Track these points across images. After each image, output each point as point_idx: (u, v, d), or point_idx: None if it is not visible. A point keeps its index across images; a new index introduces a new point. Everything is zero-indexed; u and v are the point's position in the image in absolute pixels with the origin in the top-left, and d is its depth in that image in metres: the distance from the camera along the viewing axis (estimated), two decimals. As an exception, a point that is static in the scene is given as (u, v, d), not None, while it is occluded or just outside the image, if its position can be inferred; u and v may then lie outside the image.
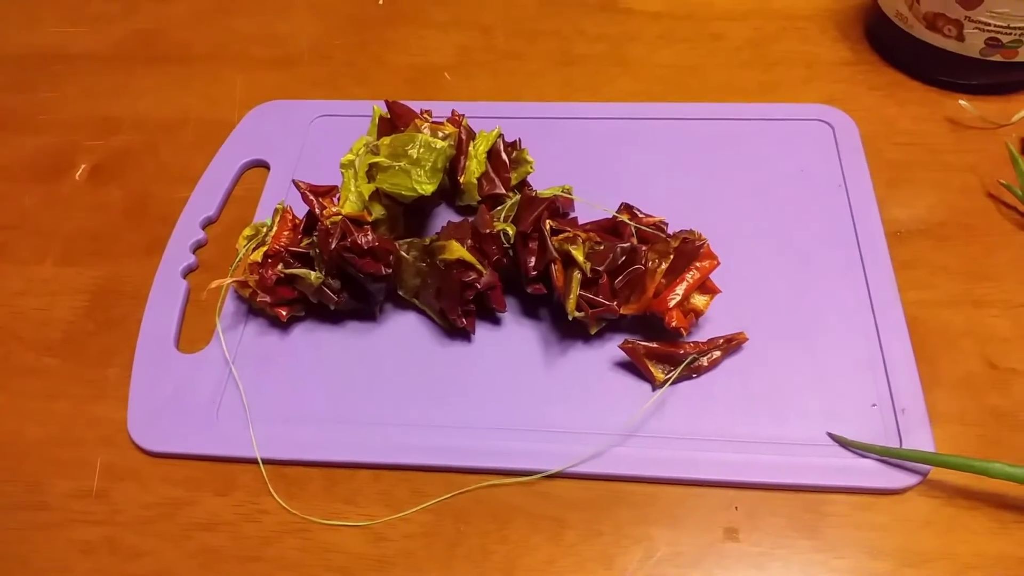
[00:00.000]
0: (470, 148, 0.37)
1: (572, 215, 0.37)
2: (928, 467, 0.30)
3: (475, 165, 0.37)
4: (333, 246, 0.32)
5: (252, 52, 0.49)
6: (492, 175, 0.37)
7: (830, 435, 0.31)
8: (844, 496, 0.30)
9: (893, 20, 0.43)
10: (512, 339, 0.34)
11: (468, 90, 0.45)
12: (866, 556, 0.29)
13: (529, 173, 0.38)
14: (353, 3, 0.51)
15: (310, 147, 0.42)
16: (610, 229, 0.34)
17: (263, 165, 0.42)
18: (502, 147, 0.37)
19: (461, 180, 0.37)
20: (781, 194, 0.38)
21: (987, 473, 0.28)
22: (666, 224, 0.34)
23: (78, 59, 0.49)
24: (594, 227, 0.34)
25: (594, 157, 0.41)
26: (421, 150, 0.33)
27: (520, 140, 0.38)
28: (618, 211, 0.35)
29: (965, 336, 0.34)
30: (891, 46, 0.44)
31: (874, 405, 0.31)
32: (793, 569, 0.29)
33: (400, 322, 0.35)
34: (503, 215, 0.35)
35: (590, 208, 0.37)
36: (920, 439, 0.30)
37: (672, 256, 0.32)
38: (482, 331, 0.35)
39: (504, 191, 0.37)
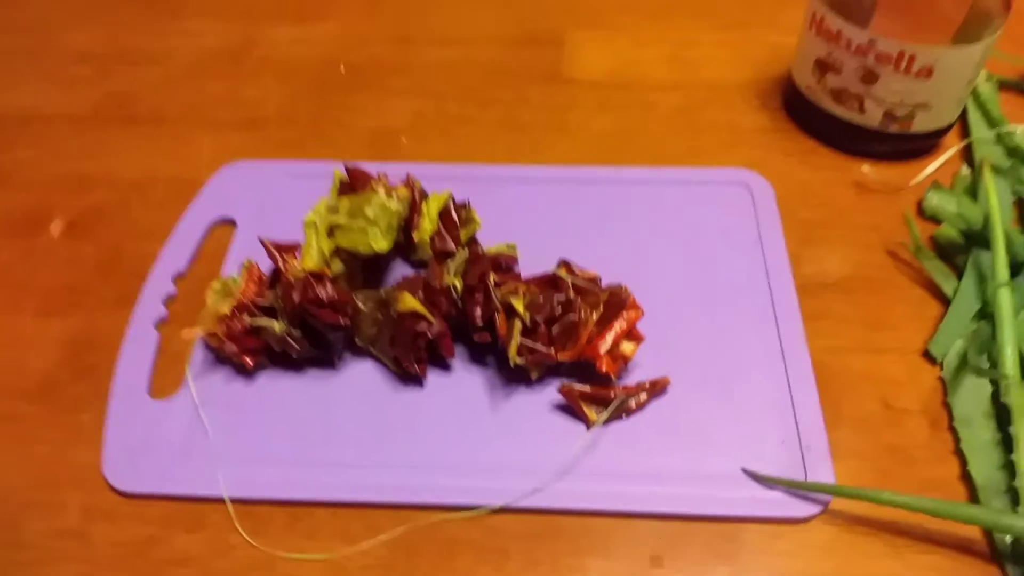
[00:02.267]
0: (423, 208, 0.41)
1: (516, 270, 0.41)
2: (829, 497, 0.34)
3: (427, 223, 0.40)
4: (296, 299, 0.35)
5: (220, 115, 0.52)
6: (443, 233, 0.40)
7: (744, 470, 0.34)
8: (756, 525, 0.33)
9: (805, 93, 0.48)
10: (461, 384, 0.38)
11: (422, 152, 0.49)
12: (775, 577, 0.32)
13: (477, 231, 0.41)
14: (317, 70, 0.55)
15: (275, 205, 0.46)
16: (549, 282, 0.38)
17: (230, 222, 0.45)
18: (452, 207, 0.41)
19: (415, 237, 0.40)
20: (703, 251, 0.42)
21: (877, 501, 0.32)
22: (599, 278, 0.38)
23: (54, 120, 0.52)
24: (535, 281, 0.38)
25: (537, 216, 0.44)
26: (377, 211, 0.37)
27: (469, 201, 0.42)
28: (557, 267, 0.38)
29: (865, 380, 0.38)
30: (805, 116, 0.49)
31: (783, 442, 0.35)
32: (710, 590, 0.32)
33: (357, 369, 0.38)
34: (453, 270, 0.38)
35: (532, 263, 0.40)
36: (823, 472, 0.34)
37: (602, 307, 0.36)
38: (433, 377, 0.38)
39: (454, 247, 0.40)
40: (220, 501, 0.34)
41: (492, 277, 0.36)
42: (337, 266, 0.38)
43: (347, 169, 0.40)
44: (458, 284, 0.37)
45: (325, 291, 0.36)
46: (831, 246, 0.43)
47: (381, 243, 0.37)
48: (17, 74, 0.55)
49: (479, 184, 0.46)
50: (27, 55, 0.57)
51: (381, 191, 0.38)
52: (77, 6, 0.61)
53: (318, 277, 0.36)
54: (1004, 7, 0.42)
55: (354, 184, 0.39)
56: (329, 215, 0.38)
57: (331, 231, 0.37)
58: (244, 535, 0.33)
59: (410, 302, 0.36)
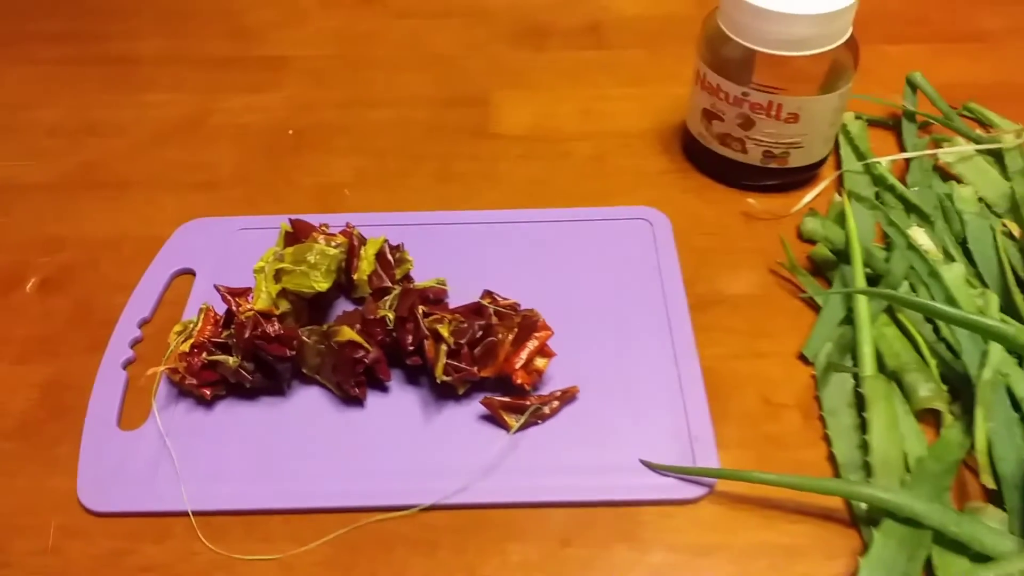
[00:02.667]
0: (361, 251, 0.46)
1: (445, 301, 0.46)
2: (714, 480, 0.39)
3: (365, 265, 0.46)
4: (247, 335, 0.41)
5: (181, 177, 0.58)
6: (380, 272, 0.46)
7: (641, 461, 0.40)
8: (652, 508, 0.39)
9: (697, 138, 0.55)
10: (397, 403, 0.43)
11: (364, 204, 0.55)
12: (668, 551, 0.37)
13: (410, 269, 0.47)
14: (267, 135, 0.61)
15: (231, 256, 0.51)
16: (474, 310, 0.43)
17: (190, 272, 0.51)
18: (387, 249, 0.47)
19: (355, 277, 0.46)
20: (608, 278, 0.48)
21: (750, 480, 0.38)
22: (518, 305, 0.44)
23: (28, 188, 0.57)
24: (462, 310, 0.44)
25: (466, 255, 0.50)
26: (317, 256, 0.42)
27: (403, 244, 0.48)
28: (481, 297, 0.44)
29: (748, 381, 0.44)
30: (699, 157, 0.56)
31: (675, 437, 0.41)
32: (614, 565, 0.37)
33: (305, 395, 0.43)
34: (388, 304, 0.44)
35: (461, 295, 0.46)
36: (709, 460, 0.40)
37: (516, 329, 0.41)
38: (372, 398, 0.43)
39: (390, 284, 0.46)
40: (184, 515, 0.39)
41: (421, 308, 0.42)
42: (284, 306, 0.43)
43: (291, 221, 0.45)
44: (390, 316, 0.42)
45: (272, 328, 0.41)
46: (721, 268, 0.49)
47: (322, 284, 0.42)
48: (-8, 149, 0.60)
49: (415, 229, 0.52)
50: (2, 131, 0.62)
51: (321, 239, 0.44)
52: (47, 85, 0.67)
53: (266, 316, 0.42)
54: (854, 63, 0.49)
55: (298, 234, 0.45)
56: (276, 262, 0.43)
57: (278, 276, 0.43)
58: (206, 542, 0.38)
59: (348, 333, 0.41)
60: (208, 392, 0.42)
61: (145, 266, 0.50)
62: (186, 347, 0.42)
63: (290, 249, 0.43)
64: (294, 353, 0.41)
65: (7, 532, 0.39)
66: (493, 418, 0.42)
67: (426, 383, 0.44)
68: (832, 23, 0.46)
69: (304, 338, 0.42)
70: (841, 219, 0.50)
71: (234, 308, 0.42)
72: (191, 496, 0.39)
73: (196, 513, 0.39)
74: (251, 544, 0.38)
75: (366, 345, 0.41)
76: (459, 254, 0.50)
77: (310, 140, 0.60)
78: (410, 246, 0.49)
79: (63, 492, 0.40)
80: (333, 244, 0.43)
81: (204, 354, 0.42)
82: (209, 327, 0.43)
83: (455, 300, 0.46)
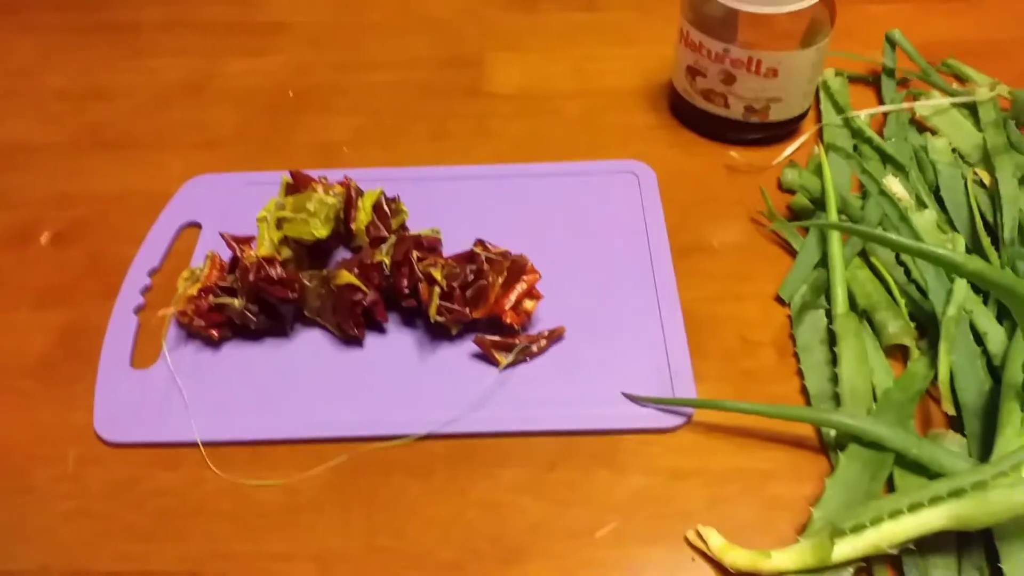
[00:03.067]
0: (359, 202, 0.49)
1: (440, 250, 0.49)
2: (691, 411, 0.42)
3: (363, 215, 0.48)
4: (251, 279, 0.43)
5: (185, 137, 0.60)
6: (376, 222, 0.48)
7: (624, 393, 0.42)
8: (633, 436, 0.41)
9: (682, 95, 0.56)
10: (394, 343, 0.45)
11: (362, 160, 0.57)
12: (646, 474, 0.40)
13: (405, 220, 0.49)
14: (268, 97, 0.63)
15: (235, 209, 0.53)
16: (467, 257, 0.46)
17: (196, 225, 0.53)
18: (384, 201, 0.49)
19: (352, 227, 0.48)
20: (596, 227, 0.51)
21: (724, 408, 0.40)
22: (509, 253, 0.46)
23: (40, 149, 0.59)
24: (455, 257, 0.46)
25: (460, 207, 0.52)
26: (316, 205, 0.45)
27: (399, 195, 0.50)
28: (473, 245, 0.46)
29: (727, 321, 0.46)
30: (684, 114, 0.58)
31: (656, 371, 0.43)
32: (595, 486, 0.40)
33: (307, 336, 0.46)
34: (385, 250, 0.46)
35: (456, 245, 0.48)
36: (687, 392, 0.42)
37: (506, 272, 0.44)
38: (371, 338, 0.45)
39: (386, 234, 0.48)
40: (194, 445, 0.41)
41: (415, 253, 0.44)
42: (286, 252, 0.46)
43: (291, 173, 0.48)
44: (386, 260, 0.44)
45: (275, 271, 0.43)
46: (704, 218, 0.52)
47: (321, 231, 0.45)
48: (5, 111, 0.63)
49: (411, 183, 0.54)
50: (13, 95, 0.64)
51: (320, 189, 0.46)
52: (54, 51, 0.69)
53: (269, 261, 0.44)
54: (831, 20, 0.51)
55: (298, 185, 0.47)
56: (277, 211, 0.46)
57: (279, 224, 0.45)
58: (215, 469, 0.41)
59: (347, 276, 0.44)
60: (215, 333, 0.45)
61: (153, 220, 0.53)
62: (194, 291, 0.44)
63: (291, 198, 0.46)
64: (296, 296, 0.44)
65: (30, 461, 0.42)
66: (484, 356, 0.44)
67: (421, 325, 0.46)
68: (808, -22, 0.48)
69: (305, 282, 0.45)
70: (819, 170, 0.52)
71: (239, 254, 0.45)
72: (200, 428, 0.42)
73: (205, 443, 0.42)
74: (257, 471, 0.41)
75: (364, 288, 0.44)
76: (453, 206, 0.53)
77: (309, 101, 0.62)
78: (406, 199, 0.51)
79: (81, 425, 0.43)
80: (331, 193, 0.46)
81: (211, 297, 0.44)
82: (216, 272, 0.45)
83: (449, 249, 0.48)
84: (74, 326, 0.48)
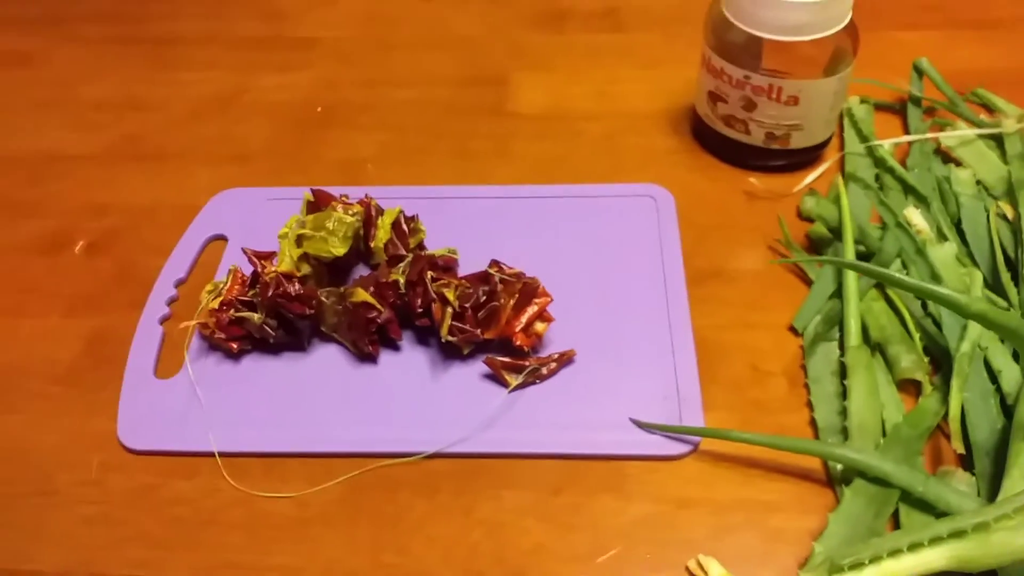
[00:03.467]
0: (378, 221, 0.50)
1: (455, 269, 0.49)
2: (698, 439, 0.42)
3: (382, 233, 0.49)
4: (270, 294, 0.44)
5: (215, 150, 0.61)
6: (395, 240, 0.49)
7: (631, 419, 0.43)
8: (639, 463, 0.42)
9: (704, 119, 0.57)
10: (408, 361, 0.46)
11: (386, 178, 0.58)
12: (651, 502, 0.40)
13: (423, 239, 0.50)
14: (296, 112, 0.64)
15: (259, 224, 0.54)
16: (481, 278, 0.46)
17: (222, 238, 0.54)
18: (403, 220, 0.50)
19: (372, 245, 0.49)
20: (611, 251, 0.51)
21: (729, 438, 0.40)
22: (523, 274, 0.47)
23: (76, 159, 0.61)
24: (470, 277, 0.47)
25: (477, 227, 0.53)
26: (335, 223, 0.46)
27: (417, 215, 0.51)
28: (489, 266, 0.47)
29: (738, 349, 0.46)
30: (706, 138, 0.58)
31: (664, 398, 0.43)
32: (599, 511, 0.40)
33: (323, 352, 0.47)
34: (401, 270, 0.47)
35: (472, 264, 0.49)
36: (695, 420, 0.42)
37: (518, 295, 0.44)
38: (385, 356, 0.46)
39: (404, 252, 0.49)
40: (210, 455, 0.43)
41: (429, 274, 0.45)
42: (306, 269, 0.47)
43: (313, 191, 0.49)
44: (401, 279, 0.45)
45: (293, 288, 0.44)
46: (721, 244, 0.52)
47: (339, 249, 0.46)
48: (45, 121, 0.65)
49: (431, 202, 0.55)
50: (53, 105, 0.67)
51: (340, 208, 0.47)
52: (93, 63, 0.71)
53: (288, 277, 0.45)
54: (854, 49, 0.51)
55: (319, 203, 0.48)
56: (298, 228, 0.47)
57: (299, 241, 0.46)
58: (229, 480, 0.42)
59: (362, 295, 0.45)
60: (235, 346, 0.46)
61: (181, 232, 0.54)
62: (216, 304, 0.46)
63: (311, 216, 0.47)
64: (313, 312, 0.45)
65: (55, 465, 0.43)
66: (495, 376, 0.45)
67: (434, 344, 0.47)
68: (829, 9, 0.48)
69: (323, 299, 0.46)
70: (839, 199, 0.52)
71: (259, 269, 0.46)
72: (217, 438, 0.43)
73: (222, 454, 0.43)
74: (270, 483, 0.42)
75: (378, 306, 0.44)
76: (471, 226, 0.53)
77: (336, 117, 0.63)
78: (425, 218, 0.52)
79: (104, 432, 0.44)
80: (350, 213, 0.47)
81: (232, 311, 0.46)
82: (237, 287, 0.46)
83: (465, 269, 0.49)
84: (102, 334, 0.49)
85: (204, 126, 0.64)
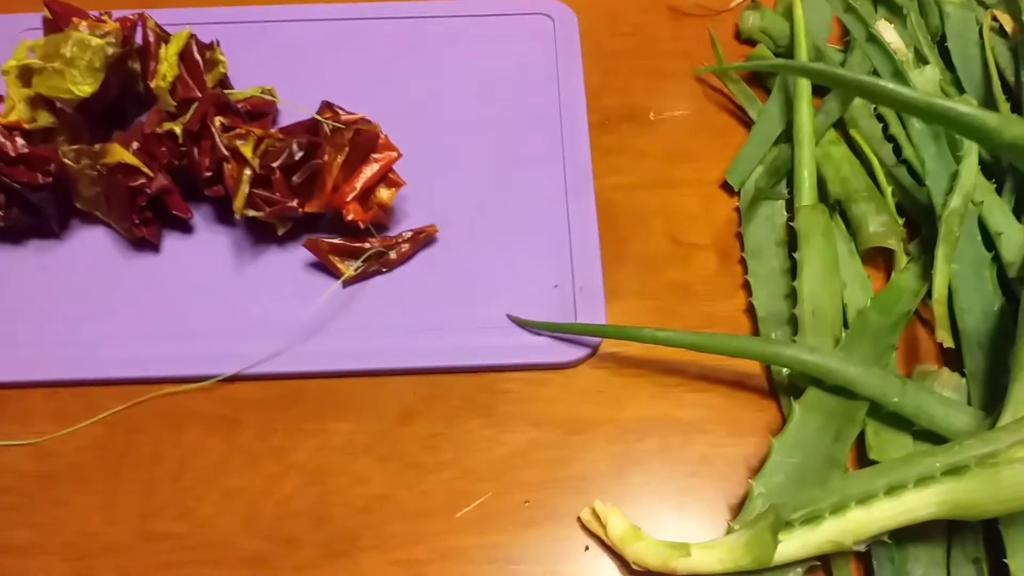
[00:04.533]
0: (161, 51, 0.35)
1: (271, 116, 0.36)
2: (598, 340, 0.31)
3: (165, 68, 0.35)
4: (-21, 156, 0.30)
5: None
6: (186, 78, 0.35)
7: (509, 316, 0.31)
8: (519, 374, 0.31)
9: (617, -91, 0.42)
10: (203, 247, 0.33)
11: (191, -2, 0.43)
12: (533, 428, 0.29)
13: (223, 74, 0.36)
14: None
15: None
16: (310, 129, 0.33)
17: (-44, 84, 0.39)
18: (195, 48, 0.35)
19: (152, 84, 0.35)
20: (494, 89, 0.38)
21: (638, 339, 0.29)
22: (368, 120, 0.33)
23: None
24: (292, 127, 0.33)
25: (310, 59, 0.39)
26: (74, 49, 0.31)
27: (217, 40, 0.36)
28: (318, 111, 0.34)
29: (656, 216, 0.35)
30: (620, -63, 0.44)
31: (556, 286, 0.32)
32: (463, 445, 0.29)
33: (86, 236, 0.34)
34: (188, 117, 0.33)
35: (297, 111, 0.35)
36: (594, 315, 0.31)
37: (348, 148, 0.31)
38: (171, 241, 0.33)
39: (199, 94, 0.35)
40: (-88, 390, 0.30)
41: (218, 120, 0.32)
42: (46, 119, 0.33)
43: (49, 5, 0.34)
44: (177, 130, 0.32)
45: (13, 145, 0.30)
46: (636, 77, 0.39)
47: (83, 86, 0.31)
48: None
49: (250, 28, 0.40)
50: None
51: (84, 27, 0.32)
52: None
53: (8, 130, 0.31)
54: None
55: (58, 22, 0.34)
56: (25, 60, 0.32)
57: (26, 77, 0.32)
58: (-62, 425, 0.29)
59: (120, 153, 0.31)
60: (-51, 233, 0.32)
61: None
62: (-88, 175, 0.31)
63: (43, 40, 0.32)
64: (50, 180, 0.31)
65: None
66: (322, 266, 0.32)
67: (242, 223, 0.34)
68: None
69: (68, 160, 0.32)
70: (789, 12, 0.39)
71: (-30, 121, 0.31)
72: (-76, 366, 0.30)
73: (-72, 387, 0.30)
74: (2, 426, 0.30)
75: (144, 169, 0.31)
76: (303, 59, 0.39)
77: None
78: (242, 48, 0.38)
79: None
80: (98, 33, 0.32)
81: (-65, 184, 0.31)
82: (-54, 148, 0.32)
83: (293, 117, 0.36)
84: None
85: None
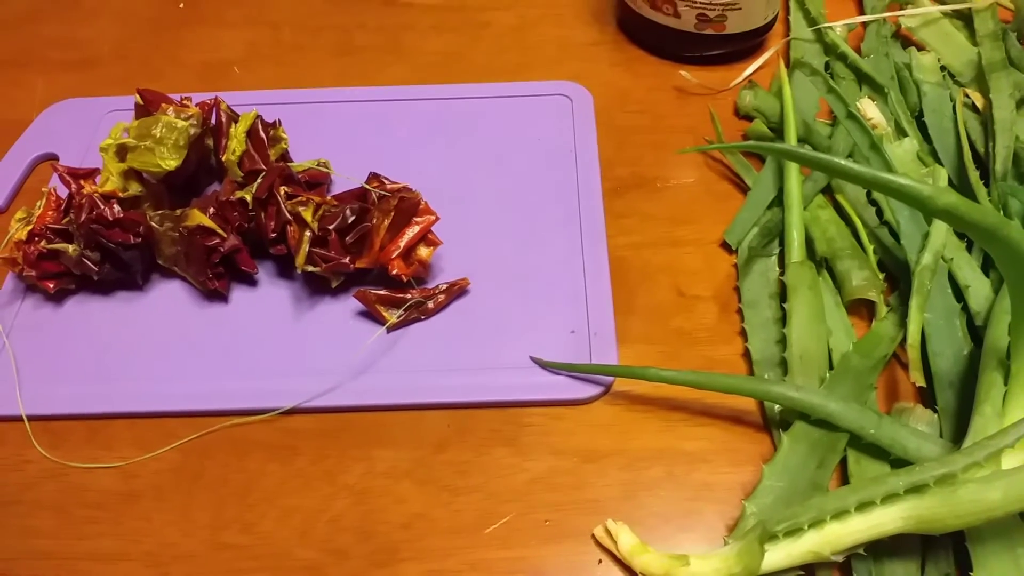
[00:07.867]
0: (231, 130, 0.41)
1: (326, 185, 0.41)
2: (611, 379, 0.35)
3: (235, 144, 0.40)
4: (83, 219, 0.35)
5: (54, 56, 0.51)
6: (252, 153, 0.40)
7: (531, 358, 0.35)
8: (540, 409, 0.35)
9: (628, 3, 0.48)
10: (266, 298, 0.38)
11: (254, 82, 0.49)
12: (552, 456, 0.33)
13: (285, 149, 0.41)
14: (155, 7, 0.54)
15: (99, 140, 0.45)
16: (358, 195, 0.38)
17: (54, 158, 0.45)
18: (260, 127, 0.41)
19: (224, 159, 0.40)
20: (517, 160, 0.43)
21: (646, 377, 0.33)
22: (409, 189, 0.38)
23: None
24: (344, 195, 0.38)
25: (360, 136, 0.45)
26: (163, 130, 0.37)
27: (279, 120, 0.42)
28: (367, 180, 0.39)
29: (661, 271, 0.39)
30: (630, 26, 0.50)
31: (573, 332, 0.36)
32: (491, 471, 0.33)
33: (165, 289, 0.39)
34: (255, 187, 0.38)
35: (351, 182, 0.40)
36: (607, 357, 0.35)
37: (393, 213, 0.36)
38: (239, 293, 0.38)
39: (263, 167, 0.40)
40: (18, 420, 0.35)
41: (283, 190, 0.37)
42: (135, 188, 0.38)
43: (141, 92, 0.39)
44: (248, 197, 0.37)
45: (111, 211, 0.36)
46: (645, 149, 0.44)
47: (169, 161, 0.37)
48: None
49: (306, 108, 0.46)
50: None
51: (171, 111, 0.38)
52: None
53: (107, 198, 0.37)
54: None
55: (148, 107, 0.39)
56: (120, 138, 0.38)
57: (122, 153, 0.37)
58: (40, 449, 0.34)
59: (198, 217, 0.36)
60: (51, 285, 0.37)
61: (4, 150, 0.45)
62: (23, 235, 0.37)
63: (136, 122, 0.38)
64: (139, 240, 0.36)
65: None
66: (369, 314, 0.37)
67: (299, 277, 0.39)
68: None
69: (154, 224, 0.37)
70: (781, 92, 0.44)
71: (73, 190, 0.37)
72: (28, 399, 0.35)
73: (32, 417, 0.35)
74: (91, 451, 0.34)
75: (219, 231, 0.36)
76: (353, 136, 0.45)
77: (200, 12, 0.53)
78: (298, 126, 0.43)
79: None
80: (183, 116, 0.38)
81: (42, 242, 0.37)
82: (51, 213, 0.38)
83: (344, 186, 0.41)
84: None
85: (43, 27, 0.53)
